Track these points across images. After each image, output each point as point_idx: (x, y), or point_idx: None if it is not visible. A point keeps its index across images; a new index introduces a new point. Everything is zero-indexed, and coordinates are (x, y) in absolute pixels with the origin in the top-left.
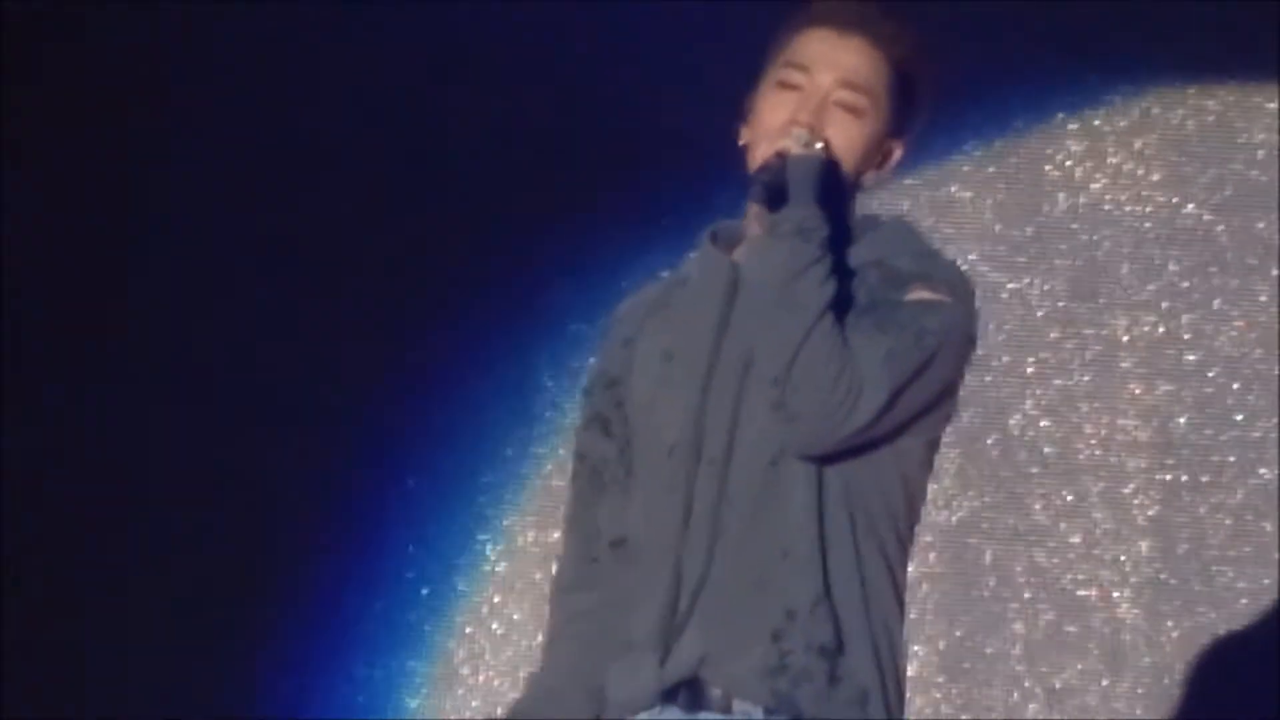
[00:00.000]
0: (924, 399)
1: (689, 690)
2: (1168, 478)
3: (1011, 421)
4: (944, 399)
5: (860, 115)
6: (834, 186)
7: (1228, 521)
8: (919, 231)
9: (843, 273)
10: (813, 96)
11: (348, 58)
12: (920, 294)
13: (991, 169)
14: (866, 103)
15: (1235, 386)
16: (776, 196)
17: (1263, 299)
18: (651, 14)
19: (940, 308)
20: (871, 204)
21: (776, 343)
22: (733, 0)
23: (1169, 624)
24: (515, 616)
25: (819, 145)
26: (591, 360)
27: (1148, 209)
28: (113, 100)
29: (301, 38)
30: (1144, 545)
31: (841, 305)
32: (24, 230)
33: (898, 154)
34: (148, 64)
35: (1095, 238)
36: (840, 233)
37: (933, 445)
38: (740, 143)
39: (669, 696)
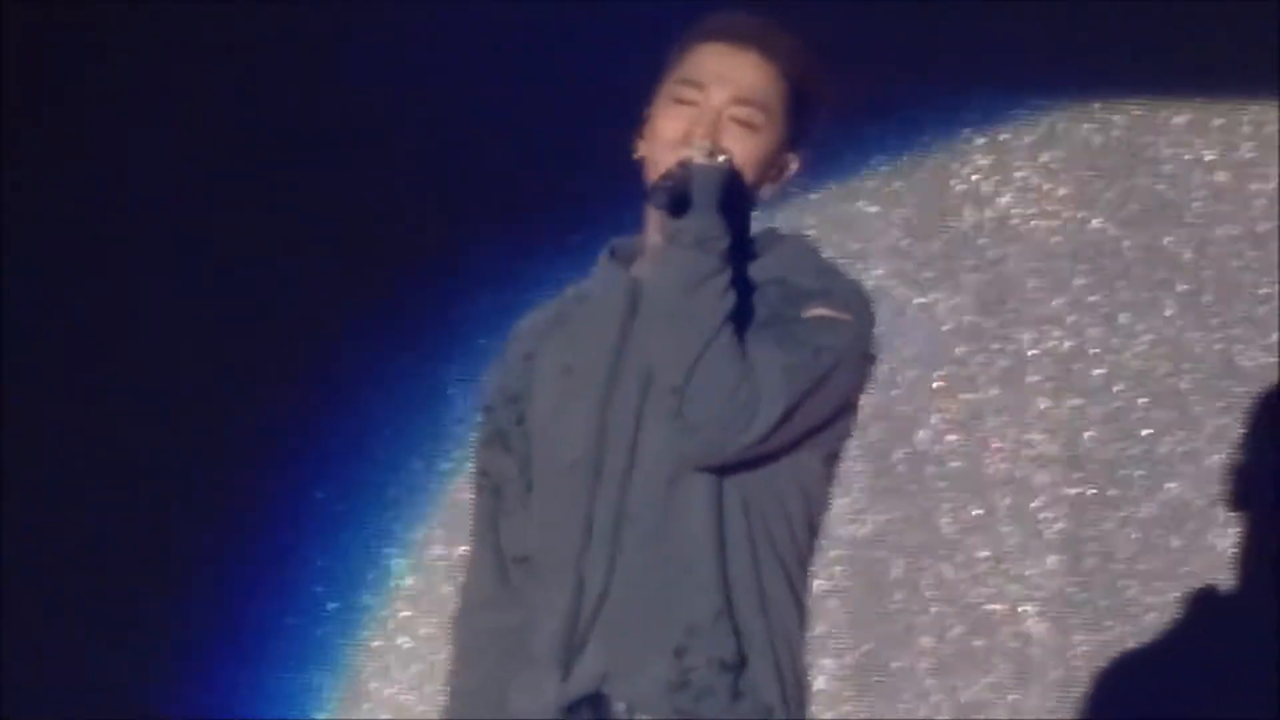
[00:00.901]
0: (821, 413)
1: (591, 705)
2: (1075, 492)
3: (919, 436)
4: (842, 414)
5: (755, 130)
6: (736, 199)
7: (1135, 536)
8: (818, 248)
9: (742, 286)
10: (708, 112)
11: (286, 62)
12: (820, 311)
13: (898, 184)
14: (761, 118)
15: (1142, 401)
16: (679, 204)
17: (1168, 313)
18: (566, 29)
19: (839, 325)
20: (778, 218)
21: (676, 352)
22: (645, 13)
23: (1077, 638)
24: (422, 631)
25: (722, 157)
26: (487, 377)
27: (1054, 223)
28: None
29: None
30: (1051, 560)
31: (741, 319)
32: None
33: (794, 167)
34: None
35: (1002, 252)
36: (740, 245)
37: (831, 460)
38: (635, 156)
39: (571, 712)
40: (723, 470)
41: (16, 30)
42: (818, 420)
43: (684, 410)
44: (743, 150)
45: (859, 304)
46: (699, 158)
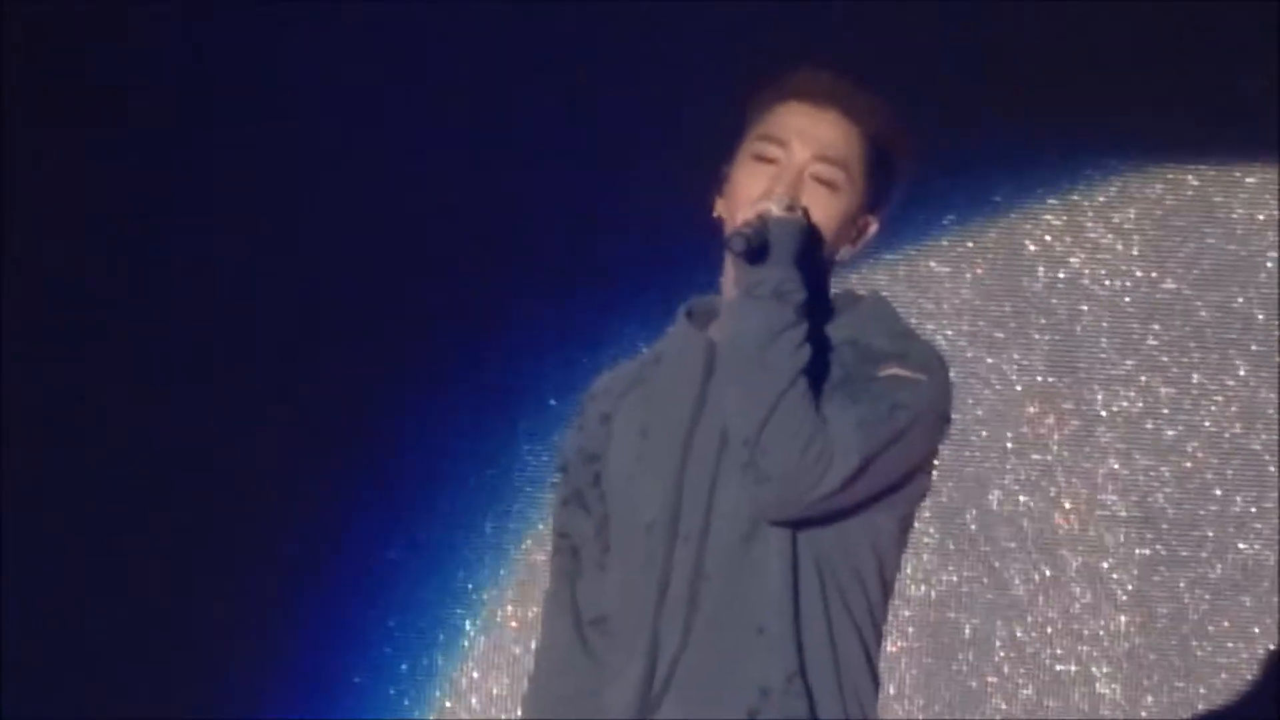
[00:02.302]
0: (896, 471)
1: None
2: (1146, 552)
3: (990, 496)
4: (916, 474)
5: (836, 189)
6: (812, 255)
7: (1206, 596)
8: (895, 311)
9: (818, 342)
10: (789, 170)
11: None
12: (895, 371)
13: (970, 244)
14: (842, 177)
15: (1214, 461)
16: (756, 254)
17: (1241, 373)
18: (629, 90)
19: (914, 384)
20: (850, 279)
21: (750, 404)
22: (704, 75)
23: (1148, 699)
24: (494, 691)
25: (799, 211)
26: (564, 437)
27: (1126, 283)
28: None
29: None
30: (1123, 619)
31: (816, 376)
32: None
33: (873, 229)
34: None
35: (1074, 312)
36: (816, 302)
37: (906, 522)
38: (714, 215)
39: None
40: (797, 528)
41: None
42: (892, 478)
43: (757, 462)
44: (823, 210)
45: (935, 365)
46: (777, 210)
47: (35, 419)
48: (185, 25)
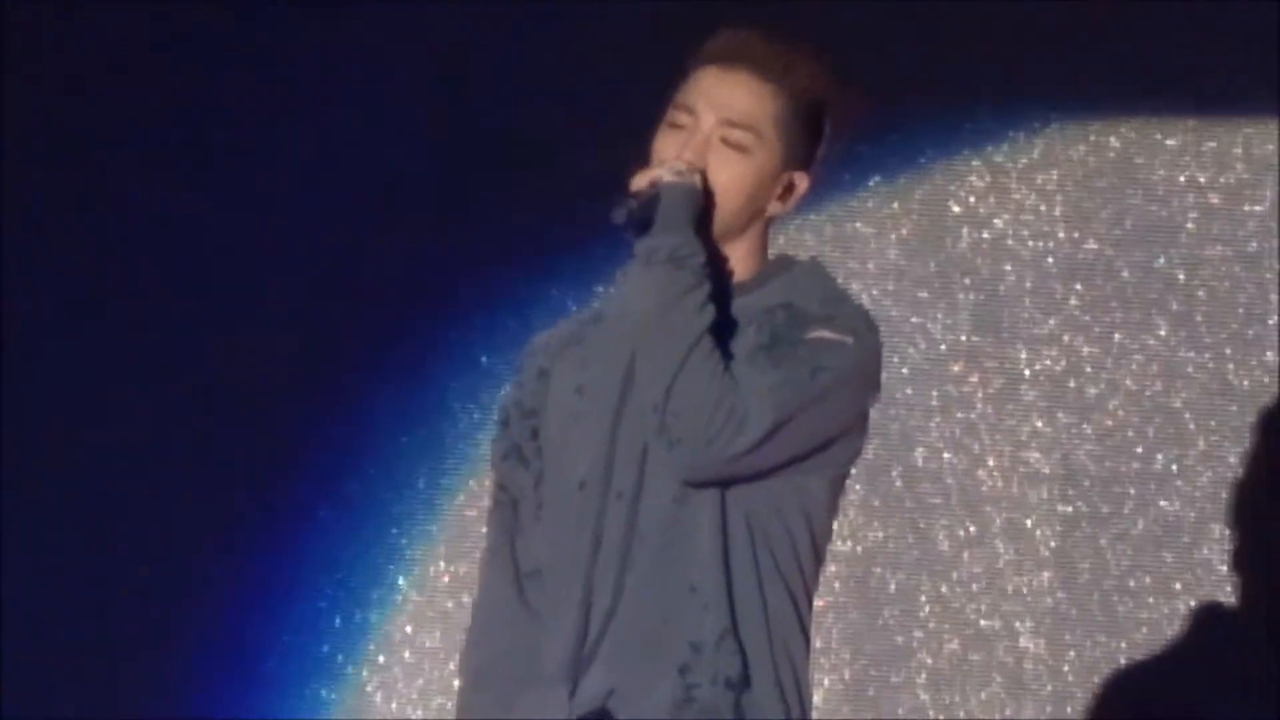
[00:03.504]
0: (817, 433)
1: None
2: (1069, 509)
3: (915, 453)
4: (843, 436)
5: (745, 151)
6: (708, 216)
7: (1128, 552)
8: (829, 275)
9: (724, 302)
10: (695, 135)
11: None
12: (821, 334)
13: (896, 205)
14: (751, 138)
15: (1135, 419)
16: (641, 224)
17: (1162, 333)
18: (570, 55)
19: (840, 347)
20: (778, 240)
21: (655, 370)
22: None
23: (1071, 654)
24: (427, 645)
25: (694, 175)
26: (505, 391)
27: (1049, 244)
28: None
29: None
30: (1045, 576)
31: (730, 337)
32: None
33: (803, 185)
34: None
35: (998, 272)
36: (716, 262)
37: (836, 485)
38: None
39: None
40: (723, 489)
41: (16, 30)
42: (814, 439)
43: (667, 425)
44: (733, 173)
45: (863, 329)
46: (668, 176)
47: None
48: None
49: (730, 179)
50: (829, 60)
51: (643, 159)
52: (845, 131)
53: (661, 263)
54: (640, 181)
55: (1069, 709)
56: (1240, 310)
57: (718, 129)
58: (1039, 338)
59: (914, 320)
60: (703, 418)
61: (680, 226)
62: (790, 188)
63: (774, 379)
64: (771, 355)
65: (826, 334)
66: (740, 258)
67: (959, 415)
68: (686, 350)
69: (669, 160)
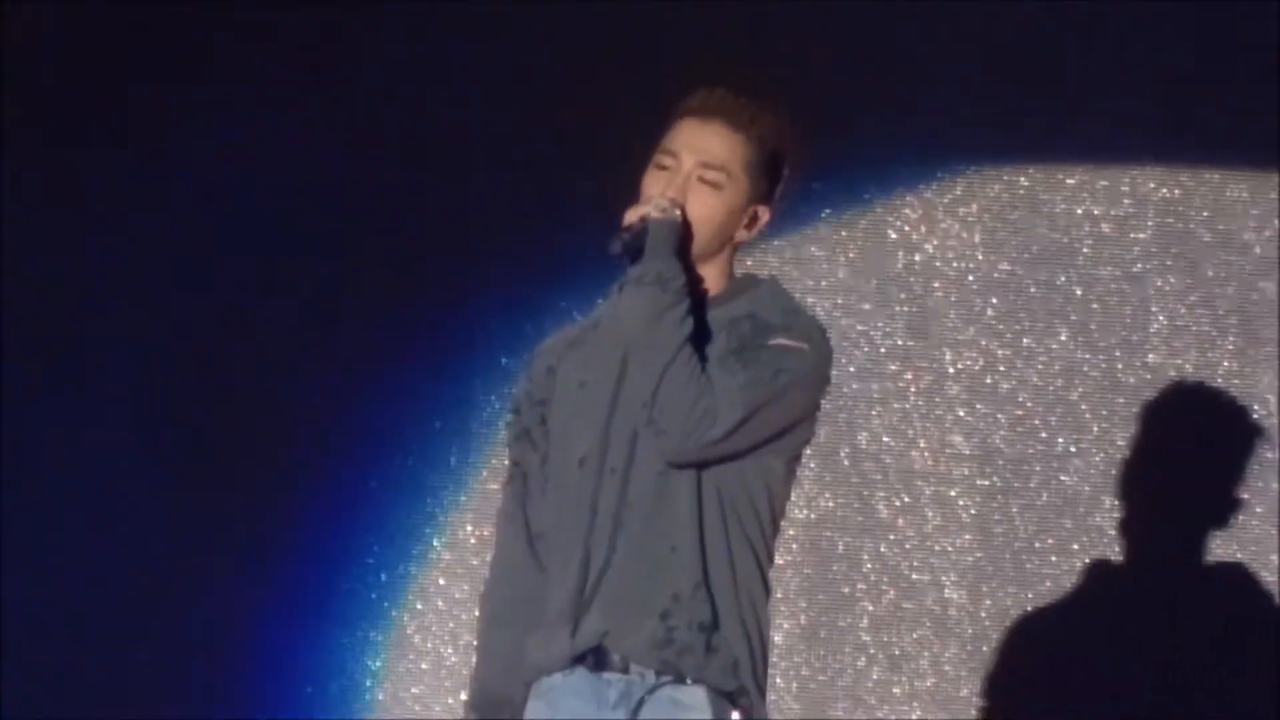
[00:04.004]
0: (778, 423)
1: (594, 656)
2: (986, 483)
3: (859, 437)
4: (799, 425)
5: (719, 188)
6: (687, 246)
7: (1034, 519)
8: (787, 291)
9: (700, 314)
10: (678, 175)
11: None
12: (781, 341)
13: (844, 233)
14: (723, 178)
15: (1040, 409)
16: (635, 253)
17: (1063, 338)
18: (588, 67)
19: (798, 352)
20: (747, 261)
21: (644, 373)
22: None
23: (987, 602)
24: (456, 595)
25: (677, 211)
26: (518, 384)
27: (970, 265)
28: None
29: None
30: (967, 538)
31: (705, 343)
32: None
33: (764, 217)
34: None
35: (927, 288)
36: (696, 283)
37: (793, 463)
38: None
39: (578, 660)
40: (700, 469)
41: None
42: (776, 428)
43: (654, 418)
44: (707, 206)
45: (817, 336)
46: (655, 213)
47: (86, 393)
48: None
49: (706, 211)
50: (786, 114)
51: (635, 193)
52: (798, 173)
53: (649, 284)
54: (632, 216)
55: (984, 648)
56: (1127, 320)
57: (696, 170)
58: (961, 342)
59: (859, 328)
60: (683, 412)
61: (665, 255)
62: (755, 219)
63: (742, 379)
64: (740, 358)
65: (786, 341)
66: (713, 276)
67: (895, 405)
68: (670, 356)
69: (655, 198)
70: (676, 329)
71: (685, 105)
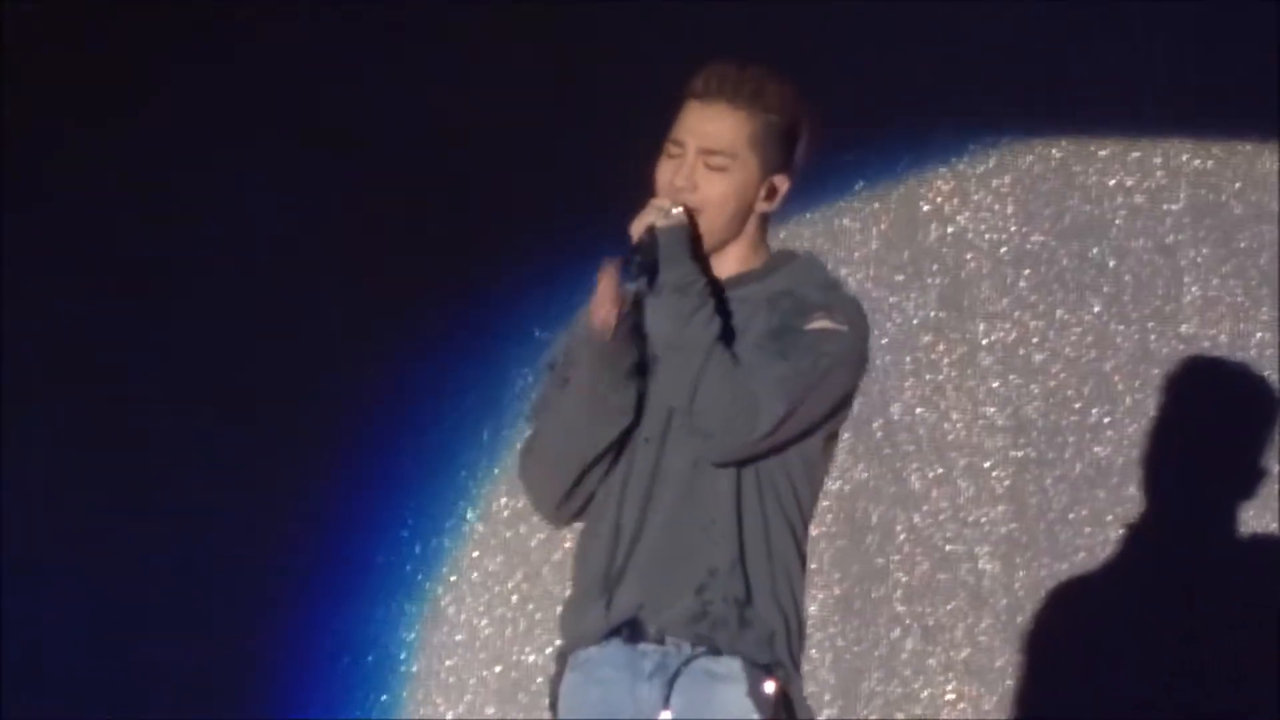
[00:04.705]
0: (821, 410)
1: (629, 628)
2: (1019, 454)
3: (893, 409)
4: (841, 407)
5: (725, 170)
6: (700, 242)
7: (1068, 491)
8: (824, 266)
9: (721, 303)
10: (685, 162)
11: (340, 62)
12: (822, 323)
13: (876, 205)
14: (728, 160)
15: (1074, 380)
16: (651, 273)
17: (1095, 309)
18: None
19: (838, 335)
20: (779, 234)
21: (678, 380)
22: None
23: (1020, 573)
24: (490, 567)
25: (677, 210)
26: (558, 340)
27: (1003, 236)
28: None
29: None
30: (1000, 509)
31: (744, 319)
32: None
33: (784, 186)
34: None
35: (960, 260)
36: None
37: (831, 439)
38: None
39: (613, 633)
40: (740, 462)
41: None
42: (819, 416)
43: (695, 424)
44: (717, 189)
45: (856, 317)
46: (661, 221)
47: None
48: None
49: (717, 195)
50: (791, 80)
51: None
52: (818, 134)
53: (671, 293)
54: (638, 228)
55: (1019, 619)
56: (1159, 291)
57: (700, 157)
58: (994, 314)
59: (891, 300)
60: (723, 414)
61: (680, 260)
62: (774, 189)
63: (782, 370)
64: (780, 344)
65: (827, 324)
66: (744, 252)
67: (928, 377)
68: (703, 359)
69: (656, 203)
70: (704, 330)
71: (690, 87)
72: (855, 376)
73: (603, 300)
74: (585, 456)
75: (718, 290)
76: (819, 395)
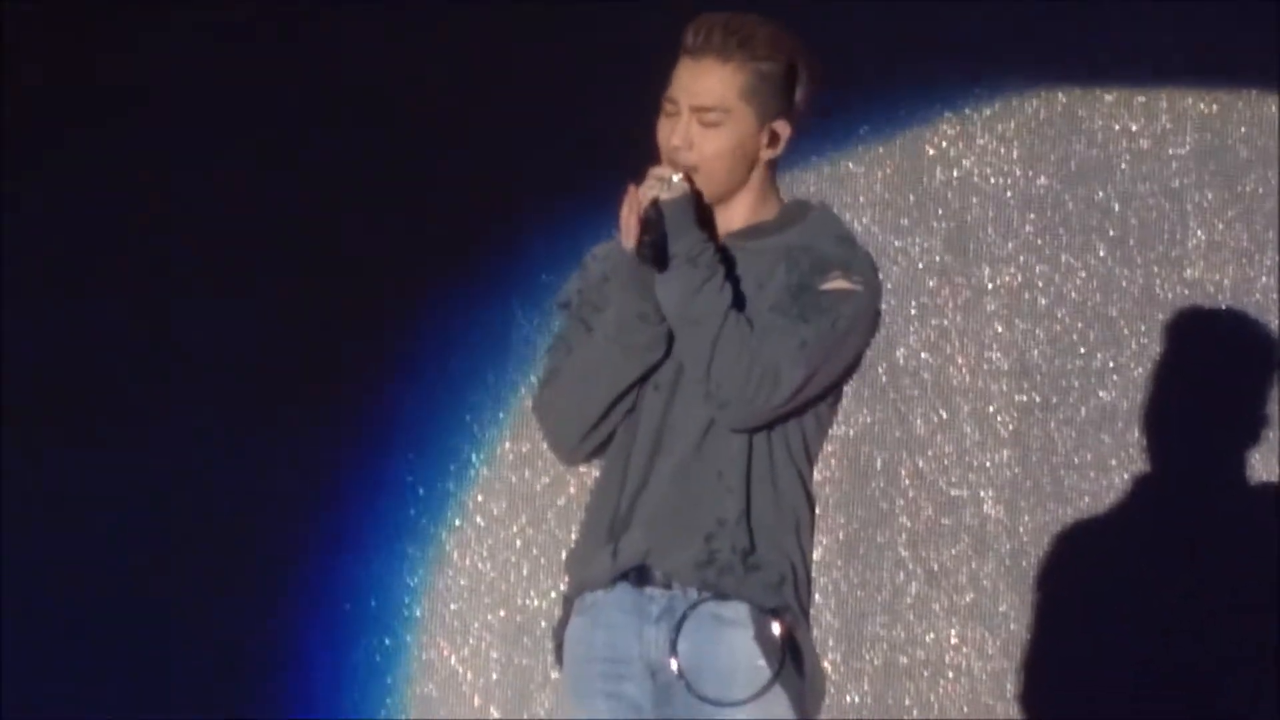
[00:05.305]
0: (839, 370)
1: (637, 573)
2: (1024, 399)
3: (898, 353)
4: (855, 366)
5: (720, 125)
6: (701, 203)
7: (1072, 435)
8: (839, 219)
9: (730, 264)
10: (680, 122)
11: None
12: (839, 283)
13: (881, 149)
14: (721, 115)
15: (1079, 325)
16: (661, 252)
17: (1100, 253)
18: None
19: (854, 296)
20: (785, 178)
21: (693, 352)
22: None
23: (1025, 518)
24: (494, 511)
25: (678, 178)
26: (570, 281)
27: (1008, 181)
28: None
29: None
30: (1005, 453)
31: (761, 271)
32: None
33: (785, 131)
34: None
35: (965, 204)
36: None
37: (839, 390)
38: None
39: (620, 577)
40: (757, 428)
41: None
42: (836, 376)
43: (713, 393)
44: (715, 145)
45: (869, 273)
46: (664, 194)
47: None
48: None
49: (713, 150)
50: (780, 24)
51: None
52: (817, 75)
53: (681, 264)
54: (644, 199)
55: (1023, 564)
56: (1165, 235)
57: (694, 114)
58: (999, 258)
59: (896, 243)
60: (741, 382)
61: (687, 230)
62: (775, 136)
63: (803, 335)
64: (799, 306)
65: (843, 284)
66: (753, 202)
67: (933, 322)
68: (717, 329)
69: (655, 172)
70: (717, 298)
71: (682, 44)
72: (869, 336)
73: (628, 225)
74: (612, 392)
75: (729, 253)
76: (836, 358)
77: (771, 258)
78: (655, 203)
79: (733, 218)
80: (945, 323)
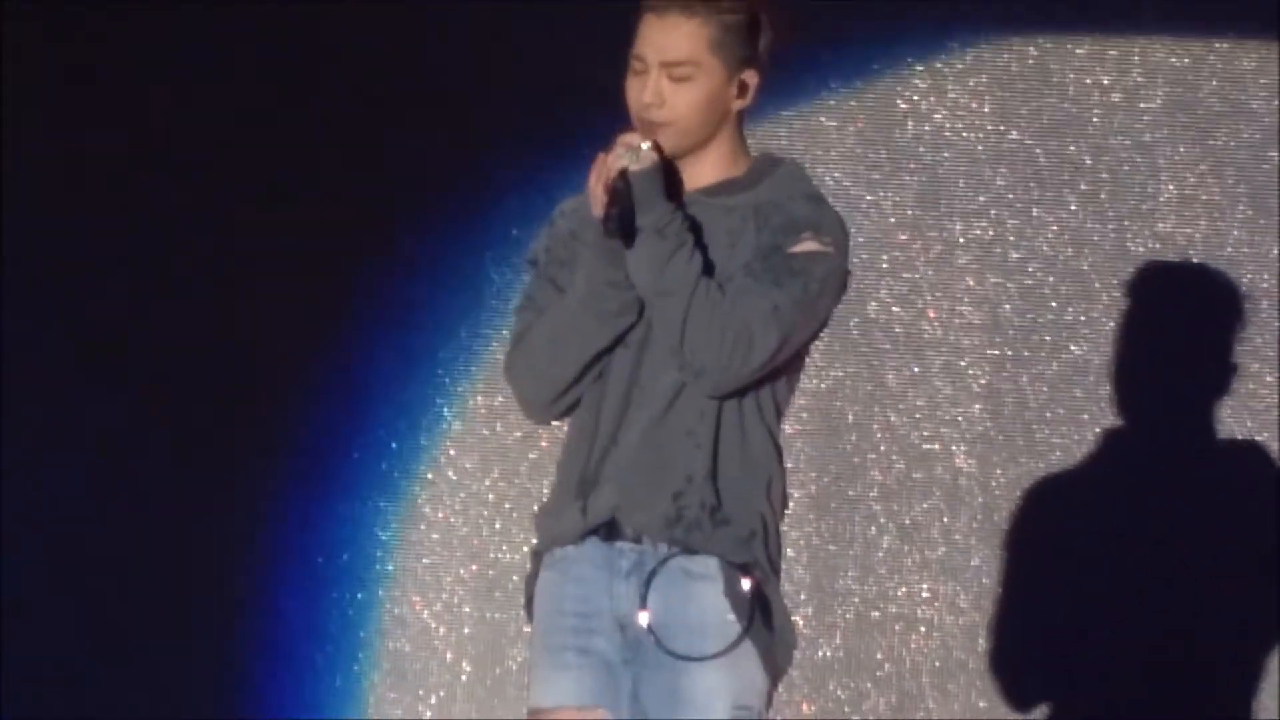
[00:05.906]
0: (809, 332)
1: (607, 527)
2: (996, 353)
3: (869, 307)
4: (823, 326)
5: (689, 79)
6: (670, 170)
7: (1044, 389)
8: (807, 175)
9: (696, 226)
10: (649, 79)
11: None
12: (810, 245)
13: (853, 103)
14: (691, 69)
15: (1050, 279)
16: (628, 225)
17: (1072, 207)
18: None
19: (825, 257)
20: (756, 133)
21: (666, 322)
22: None
23: (997, 472)
24: (467, 465)
25: (646, 146)
26: (538, 238)
27: (979, 135)
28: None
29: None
30: (977, 408)
31: (733, 227)
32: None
33: (754, 80)
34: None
35: (937, 158)
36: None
37: (808, 346)
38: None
39: (593, 533)
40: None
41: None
42: (808, 336)
43: (688, 361)
44: (686, 99)
45: (839, 233)
46: (633, 165)
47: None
48: None
49: (685, 104)
50: None
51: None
52: (785, 24)
53: (649, 235)
54: (613, 169)
55: (995, 518)
56: (1136, 189)
57: (663, 70)
58: (971, 211)
59: (868, 197)
60: (715, 350)
61: (655, 201)
62: (744, 86)
63: (775, 299)
64: (770, 269)
65: (814, 245)
66: (723, 155)
67: (905, 275)
68: (688, 298)
69: (624, 139)
70: (687, 268)
71: (643, 1)
72: (839, 297)
73: (595, 195)
74: (584, 357)
75: (700, 210)
76: (809, 318)
77: (742, 215)
78: (623, 173)
79: (702, 173)
80: (917, 276)
